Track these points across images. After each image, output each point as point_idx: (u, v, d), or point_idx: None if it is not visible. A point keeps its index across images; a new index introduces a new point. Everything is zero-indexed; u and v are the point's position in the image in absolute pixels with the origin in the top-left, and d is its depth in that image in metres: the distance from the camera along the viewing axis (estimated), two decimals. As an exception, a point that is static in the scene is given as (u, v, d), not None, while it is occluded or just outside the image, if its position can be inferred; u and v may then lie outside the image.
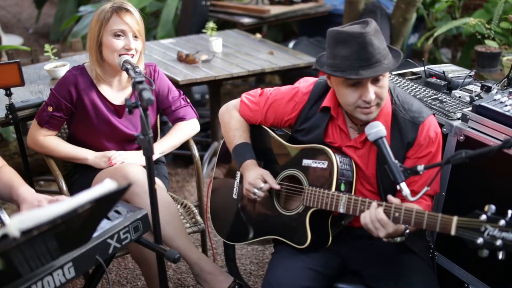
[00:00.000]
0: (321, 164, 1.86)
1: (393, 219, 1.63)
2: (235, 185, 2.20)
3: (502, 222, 1.40)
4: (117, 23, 2.23)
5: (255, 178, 1.96)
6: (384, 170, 1.76)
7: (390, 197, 1.68)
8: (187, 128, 2.48)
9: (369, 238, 1.86)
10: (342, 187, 1.83)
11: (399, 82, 2.47)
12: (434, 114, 1.93)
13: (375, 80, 1.76)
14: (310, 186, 1.87)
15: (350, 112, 1.84)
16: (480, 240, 1.42)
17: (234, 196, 2.19)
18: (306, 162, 1.92)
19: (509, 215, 1.41)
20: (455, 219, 1.50)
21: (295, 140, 2.04)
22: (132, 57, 2.24)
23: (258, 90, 2.15)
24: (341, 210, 1.77)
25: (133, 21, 2.25)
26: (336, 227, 1.92)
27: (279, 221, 1.98)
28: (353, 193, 1.87)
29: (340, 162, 1.85)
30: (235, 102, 2.18)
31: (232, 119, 2.14)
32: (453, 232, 1.49)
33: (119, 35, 2.23)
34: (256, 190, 1.95)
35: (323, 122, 1.95)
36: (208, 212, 2.30)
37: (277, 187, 1.96)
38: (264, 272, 2.71)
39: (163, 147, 2.40)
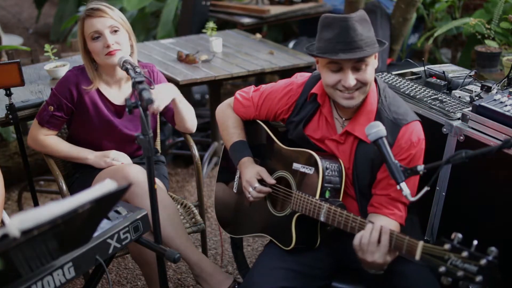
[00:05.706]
0: (308, 170, 1.88)
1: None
2: (236, 180, 2.22)
3: (465, 253, 1.40)
4: (90, 26, 2.22)
5: (252, 176, 1.99)
6: (359, 169, 1.86)
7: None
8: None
9: None
10: (327, 194, 1.83)
11: (399, 82, 2.46)
12: (421, 122, 1.89)
13: (356, 69, 1.76)
14: (298, 191, 1.88)
15: (331, 95, 1.85)
16: (442, 269, 1.43)
17: (234, 190, 2.21)
18: (295, 166, 1.94)
19: (473, 246, 1.41)
20: (420, 244, 1.51)
21: (287, 136, 2.06)
22: (119, 51, 2.20)
23: (252, 87, 2.17)
24: (322, 219, 1.78)
25: (105, 18, 2.22)
26: (324, 231, 1.92)
27: (270, 221, 2.01)
28: (340, 199, 1.87)
29: (327, 168, 1.84)
30: (229, 100, 2.22)
31: (229, 118, 2.18)
32: (417, 257, 1.51)
33: (97, 37, 2.22)
34: (251, 189, 1.97)
35: (309, 112, 1.97)
36: (208, 207, 2.30)
37: (272, 181, 1.98)
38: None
39: (183, 102, 2.33)
